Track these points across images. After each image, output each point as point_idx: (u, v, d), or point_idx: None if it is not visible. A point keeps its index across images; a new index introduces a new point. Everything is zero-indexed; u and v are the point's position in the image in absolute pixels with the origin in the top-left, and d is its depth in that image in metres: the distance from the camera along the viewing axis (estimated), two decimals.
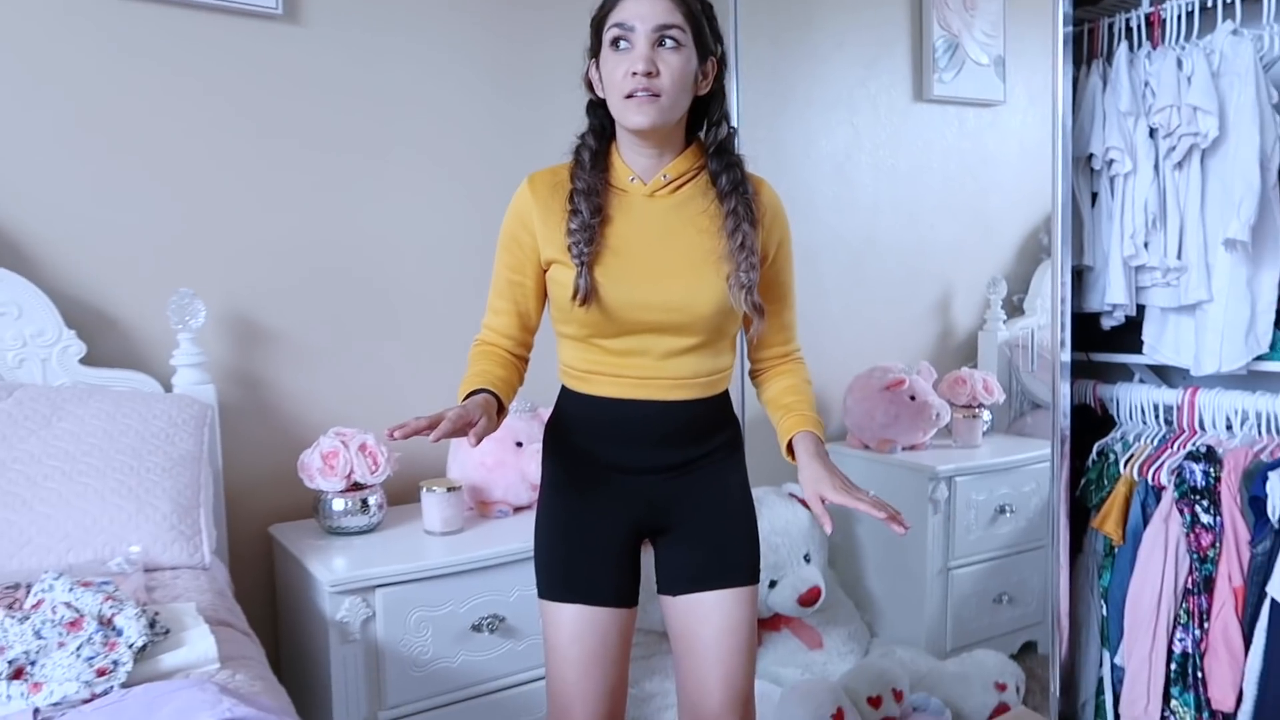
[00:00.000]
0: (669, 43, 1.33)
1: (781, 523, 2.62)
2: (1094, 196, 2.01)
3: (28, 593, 1.25)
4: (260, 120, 2.09)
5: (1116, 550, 2.01)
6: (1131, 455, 2.00)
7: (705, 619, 1.46)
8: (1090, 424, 2.13)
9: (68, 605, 1.14)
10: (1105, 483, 2.04)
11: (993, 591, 2.83)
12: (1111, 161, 1.91)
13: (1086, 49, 2.03)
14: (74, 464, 1.56)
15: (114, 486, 1.56)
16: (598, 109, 1.44)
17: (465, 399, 1.34)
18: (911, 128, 3.13)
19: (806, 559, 2.65)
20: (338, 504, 1.99)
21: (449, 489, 2.01)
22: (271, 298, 2.12)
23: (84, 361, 1.83)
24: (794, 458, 1.45)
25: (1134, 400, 2.06)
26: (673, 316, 1.39)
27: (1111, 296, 1.95)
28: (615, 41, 1.34)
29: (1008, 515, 2.81)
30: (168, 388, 1.91)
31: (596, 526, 1.45)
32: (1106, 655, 2.05)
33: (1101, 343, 2.14)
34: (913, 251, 3.16)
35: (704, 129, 1.44)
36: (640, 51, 1.32)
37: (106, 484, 1.56)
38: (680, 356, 1.42)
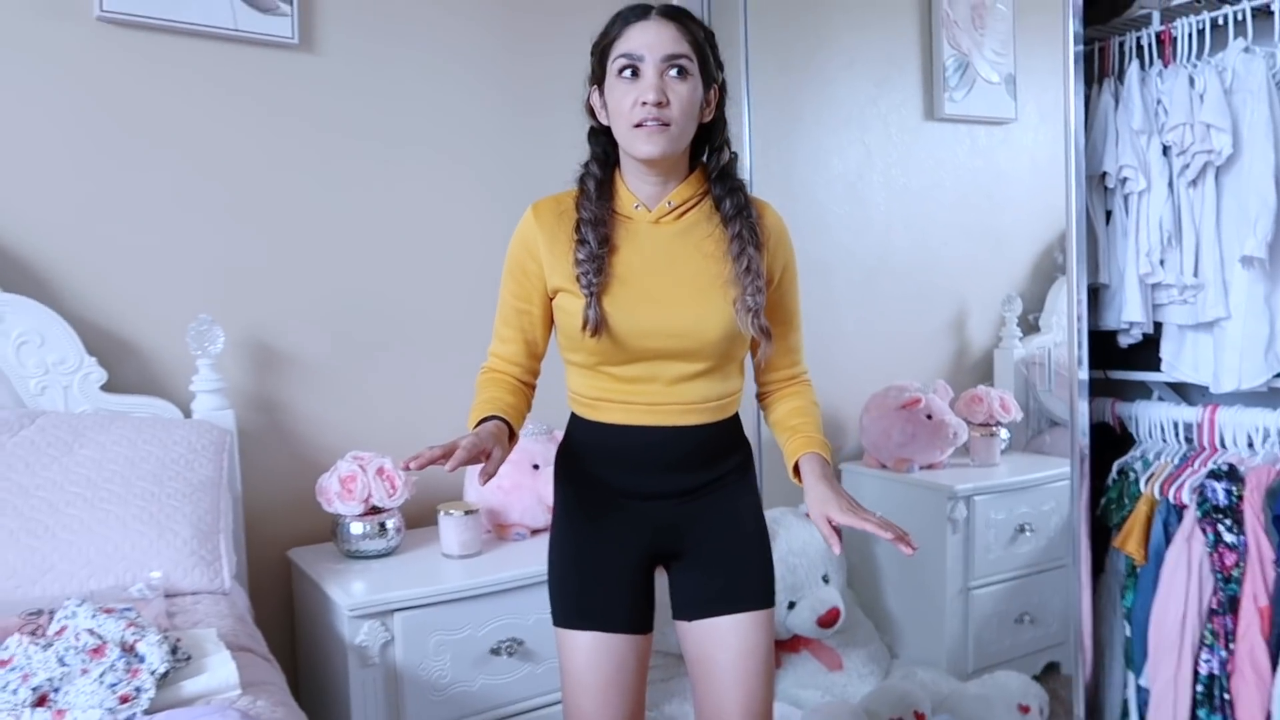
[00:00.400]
0: (677, 72, 1.34)
1: (799, 543, 2.61)
2: (1108, 215, 2.00)
3: (50, 619, 1.26)
4: (277, 147, 2.12)
5: (1139, 570, 1.99)
6: (1152, 474, 1.99)
7: (721, 643, 1.46)
8: (1109, 442, 2.12)
9: (90, 632, 1.14)
10: (1126, 502, 2.03)
11: (1014, 612, 2.80)
12: (1125, 180, 1.91)
13: (1098, 68, 2.03)
14: (95, 490, 1.58)
15: (135, 513, 1.57)
16: (600, 136, 1.45)
17: (476, 426, 1.35)
18: (923, 146, 3.14)
19: (825, 580, 2.63)
20: (356, 528, 1.99)
21: (466, 512, 2.01)
22: (290, 323, 2.13)
23: (105, 388, 1.85)
24: (801, 480, 1.44)
25: (1153, 418, 2.05)
26: (681, 343, 1.40)
27: (1128, 314, 1.94)
28: (623, 70, 1.35)
29: (1027, 534, 2.79)
30: (187, 414, 1.92)
31: (609, 553, 1.45)
32: (1131, 677, 2.03)
33: (1119, 360, 2.13)
34: (926, 269, 3.16)
35: (707, 155, 1.45)
36: (649, 81, 1.33)
37: (128, 510, 1.57)
38: (689, 382, 1.43)
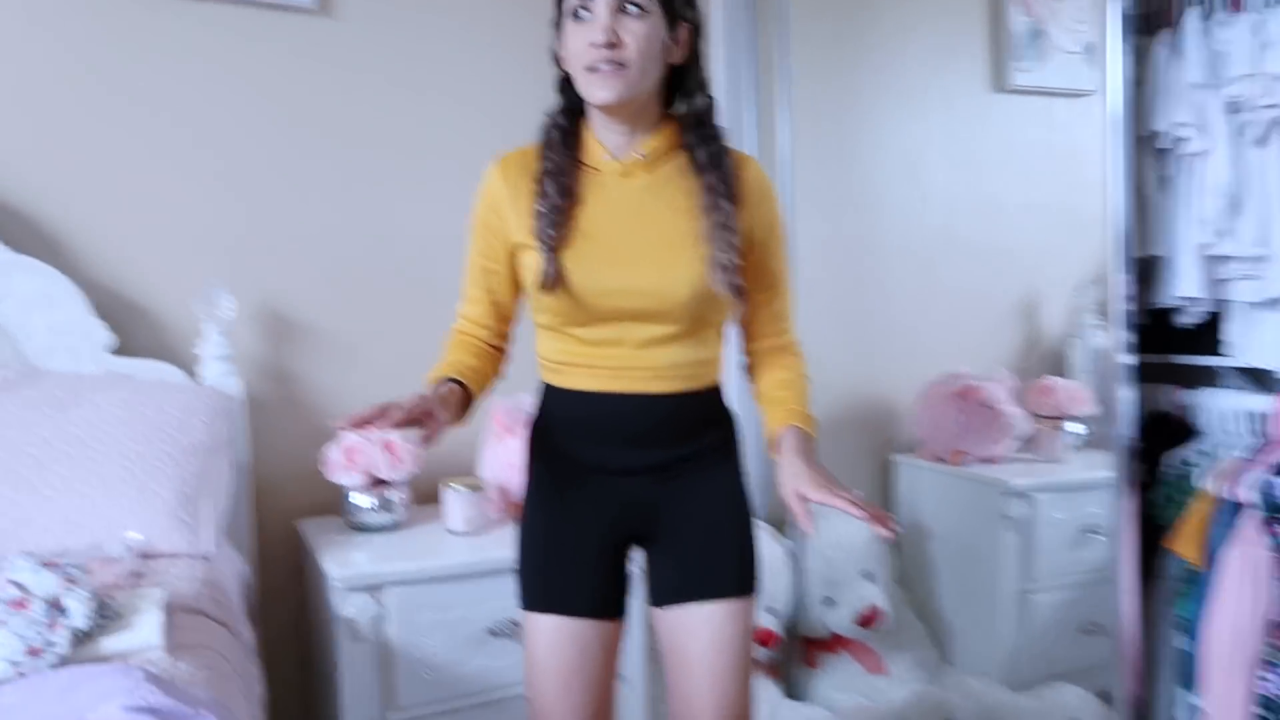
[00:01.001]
0: (632, 9, 1.25)
1: (837, 536, 2.47)
2: (1162, 180, 1.81)
3: None
4: (294, 114, 2.12)
5: (1196, 575, 1.79)
6: (1213, 469, 1.79)
7: (693, 633, 1.36)
8: (1169, 434, 1.92)
9: (17, 585, 1.13)
10: (1182, 499, 1.83)
11: (1078, 621, 2.58)
12: (1181, 139, 1.72)
13: (1156, 20, 1.84)
14: (84, 450, 1.59)
15: (118, 473, 1.58)
16: (568, 85, 1.36)
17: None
18: (990, 120, 2.94)
19: (869, 576, 2.49)
20: (360, 500, 1.97)
21: (471, 488, 1.96)
22: (304, 291, 2.13)
23: (115, 352, 1.87)
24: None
25: (1217, 408, 1.85)
26: (647, 302, 1.31)
27: (1184, 289, 1.75)
28: (575, 12, 1.27)
29: (1095, 537, 2.57)
30: (195, 380, 1.93)
31: (575, 532, 1.37)
32: (1184, 694, 1.83)
33: (1183, 344, 1.92)
34: (993, 252, 2.96)
35: (679, 101, 1.35)
36: (601, 21, 1.24)
37: (112, 470, 1.58)
38: (659, 346, 1.33)
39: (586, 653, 1.35)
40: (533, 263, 1.32)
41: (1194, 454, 1.85)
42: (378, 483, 1.98)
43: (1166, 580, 1.88)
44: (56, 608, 1.14)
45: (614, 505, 1.38)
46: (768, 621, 2.32)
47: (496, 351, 1.44)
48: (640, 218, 1.32)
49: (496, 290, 1.40)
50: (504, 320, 1.43)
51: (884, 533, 1.16)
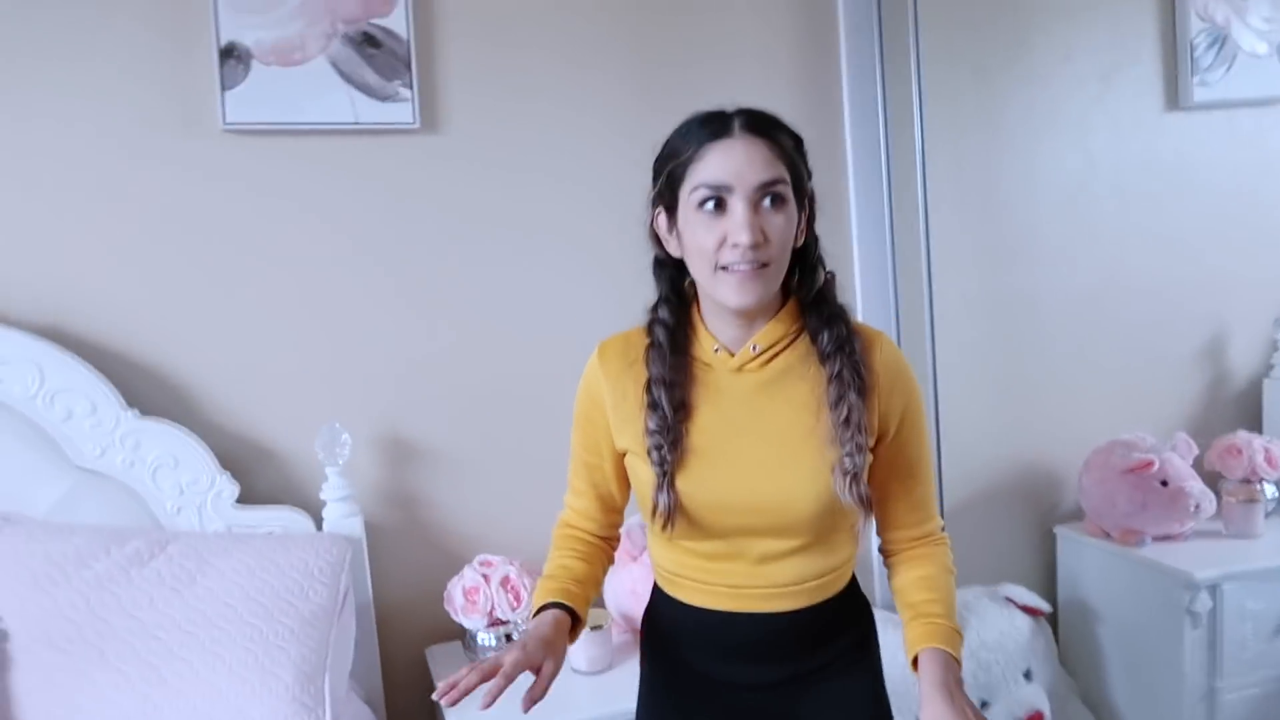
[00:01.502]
0: (771, 201, 1.10)
1: (995, 634, 2.27)
2: None
3: None
4: (403, 234, 2.05)
5: None
6: None
7: None
8: None
9: None
10: None
11: None
12: None
13: None
14: (209, 631, 1.60)
15: (240, 656, 1.58)
16: (668, 269, 1.23)
17: (536, 612, 1.22)
18: (1165, 142, 2.61)
19: (1027, 676, 2.28)
20: (483, 638, 1.93)
21: (592, 627, 1.89)
22: (422, 415, 2.08)
23: (240, 499, 1.88)
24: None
25: None
26: (767, 519, 1.18)
27: None
28: (704, 203, 1.12)
29: None
30: (318, 519, 1.92)
31: None
32: None
33: None
34: (1169, 288, 2.65)
35: (798, 281, 1.21)
36: (741, 218, 1.09)
37: (235, 654, 1.58)
38: (780, 561, 1.20)
39: None
40: (641, 473, 1.21)
41: None
42: (499, 621, 1.93)
43: None
44: None
45: (737, 718, 1.26)
46: None
47: (605, 543, 1.35)
48: (758, 421, 1.19)
49: (601, 485, 1.30)
50: (612, 511, 1.34)
51: None
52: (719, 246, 1.11)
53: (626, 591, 1.98)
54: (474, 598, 1.89)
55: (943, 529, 1.31)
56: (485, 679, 1.07)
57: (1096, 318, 2.59)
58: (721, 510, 1.18)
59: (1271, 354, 2.70)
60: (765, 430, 1.18)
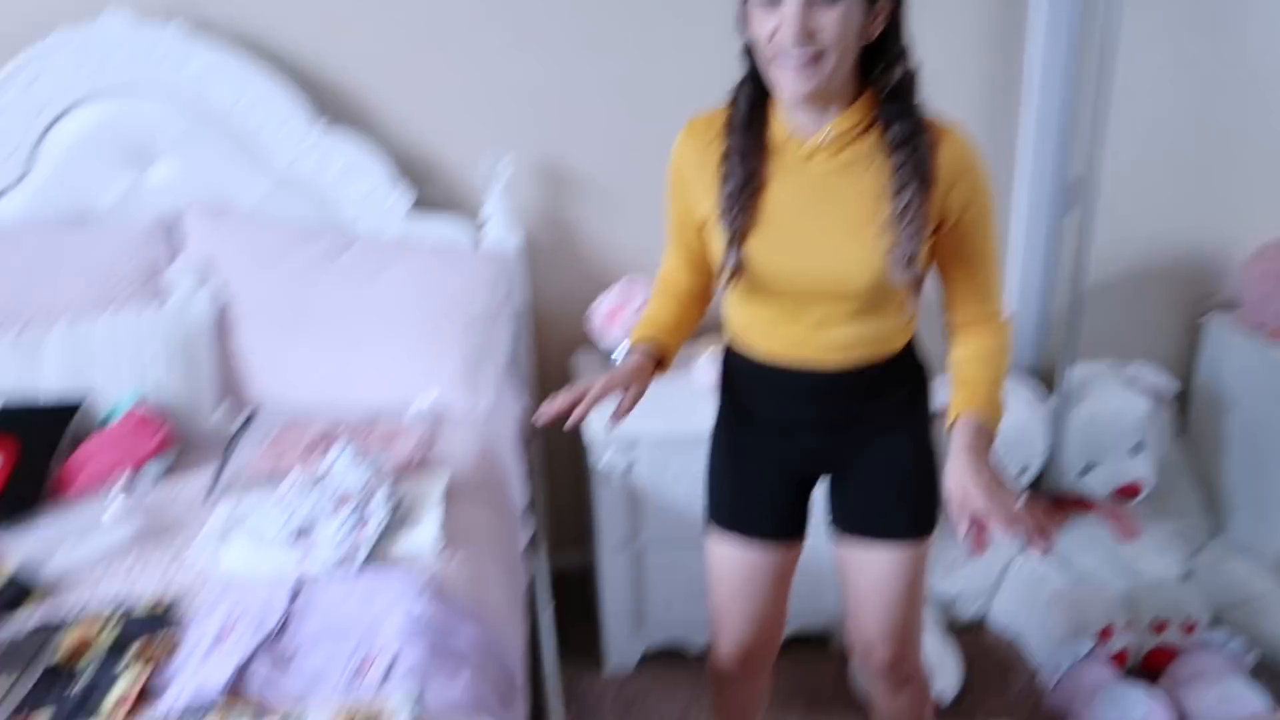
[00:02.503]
0: None
1: (1109, 410, 2.34)
2: None
3: (325, 452, 1.58)
4: None
5: None
6: None
7: (858, 567, 1.47)
8: None
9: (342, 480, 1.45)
10: None
11: None
12: None
13: None
14: (387, 325, 1.89)
15: (416, 345, 1.88)
16: (752, 54, 1.26)
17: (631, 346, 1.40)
18: None
19: (1137, 448, 2.35)
20: (619, 354, 2.15)
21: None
22: (585, 144, 2.22)
23: (414, 205, 2.09)
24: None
25: None
26: (823, 287, 1.30)
27: None
28: None
29: None
30: (481, 230, 2.13)
31: (756, 471, 1.47)
32: None
33: None
34: None
35: (876, 73, 1.23)
36: (791, 11, 1.12)
37: (411, 343, 1.88)
38: (836, 325, 1.33)
39: (757, 570, 1.50)
40: (717, 237, 1.33)
41: None
42: None
43: None
44: (366, 504, 1.43)
45: (795, 452, 1.45)
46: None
47: (697, 299, 1.49)
48: (824, 203, 1.28)
49: (690, 246, 1.43)
50: (702, 272, 1.45)
51: (1038, 552, 1.16)
52: (770, 37, 1.16)
53: None
54: (615, 317, 2.09)
55: (1005, 318, 1.38)
56: (575, 401, 1.26)
57: None
58: (782, 276, 1.30)
59: None
60: (830, 211, 1.27)
